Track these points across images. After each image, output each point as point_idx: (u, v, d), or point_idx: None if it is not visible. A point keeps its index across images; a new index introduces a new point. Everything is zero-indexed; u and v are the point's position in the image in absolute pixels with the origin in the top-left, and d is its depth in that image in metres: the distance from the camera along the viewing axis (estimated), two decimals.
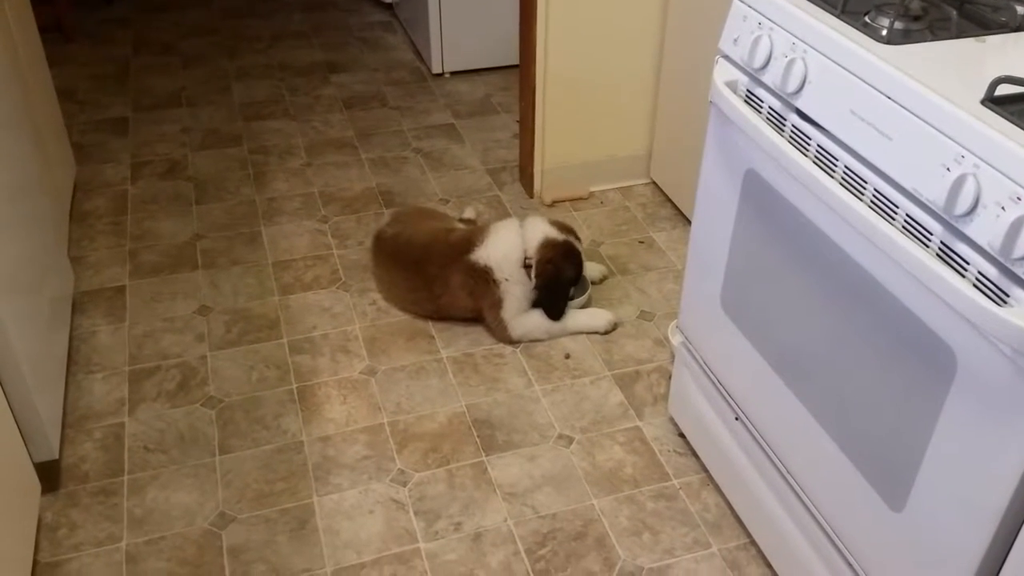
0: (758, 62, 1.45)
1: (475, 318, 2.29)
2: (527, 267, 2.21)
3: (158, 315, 2.35)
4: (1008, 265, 1.06)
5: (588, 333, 2.30)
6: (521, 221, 2.29)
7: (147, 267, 2.52)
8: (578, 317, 2.29)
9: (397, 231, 2.36)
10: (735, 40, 1.52)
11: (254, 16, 4.13)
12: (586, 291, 2.36)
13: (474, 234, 2.26)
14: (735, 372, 1.70)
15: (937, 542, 1.24)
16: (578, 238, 2.30)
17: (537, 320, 2.26)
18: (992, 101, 1.11)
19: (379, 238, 2.39)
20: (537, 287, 2.23)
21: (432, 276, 2.25)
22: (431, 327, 2.31)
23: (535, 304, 2.27)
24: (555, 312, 2.26)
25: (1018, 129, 1.06)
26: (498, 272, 2.20)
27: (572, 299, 2.32)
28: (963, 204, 1.09)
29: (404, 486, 1.90)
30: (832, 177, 1.32)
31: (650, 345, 2.27)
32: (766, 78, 1.45)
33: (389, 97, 3.43)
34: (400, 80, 3.56)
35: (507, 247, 2.22)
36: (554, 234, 2.25)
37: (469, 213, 2.69)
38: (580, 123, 2.75)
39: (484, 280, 2.21)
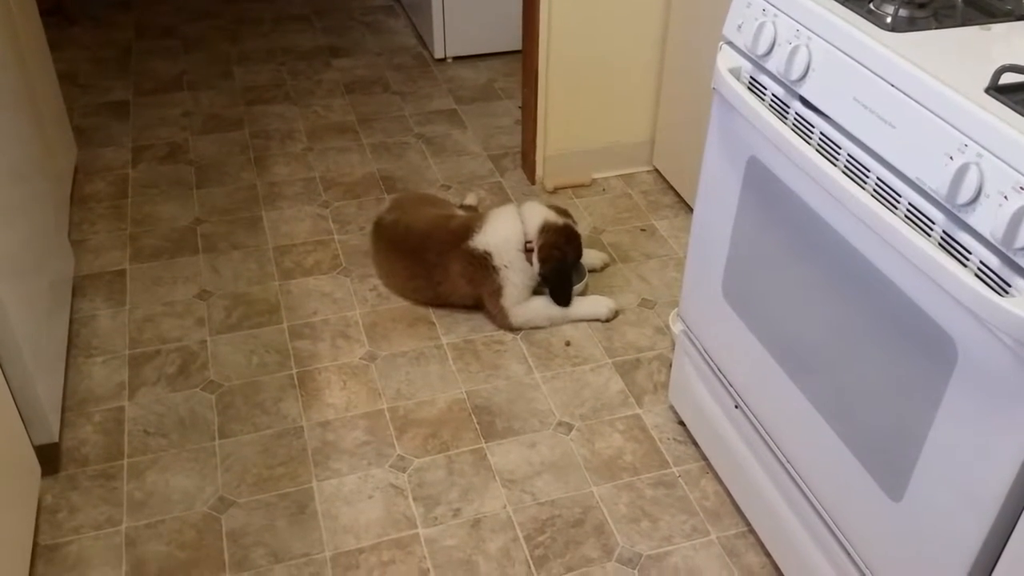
0: (762, 49, 1.44)
1: (475, 305, 2.29)
2: (528, 251, 2.21)
3: (158, 299, 2.35)
4: (1010, 255, 1.05)
5: (589, 320, 2.29)
6: (519, 206, 2.29)
7: (147, 251, 2.52)
8: (580, 304, 2.29)
9: (396, 218, 2.35)
10: (739, 27, 1.51)
11: (256, 0, 4.11)
12: (583, 278, 2.35)
13: (473, 221, 2.26)
14: (735, 360, 1.70)
15: (935, 531, 1.24)
16: (575, 221, 2.30)
17: (538, 307, 2.26)
18: (996, 90, 1.11)
19: (378, 225, 2.39)
20: (542, 273, 2.23)
21: (431, 263, 2.25)
22: (431, 313, 2.31)
23: (541, 290, 2.27)
24: (563, 298, 2.26)
25: (1021, 118, 1.05)
26: (498, 258, 2.20)
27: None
28: (966, 193, 1.09)
29: (403, 472, 1.90)
30: (835, 165, 1.31)
31: (651, 333, 2.27)
32: (770, 65, 1.44)
33: (391, 82, 3.42)
34: (402, 65, 3.55)
35: (507, 232, 2.21)
36: (553, 218, 2.24)
37: (471, 200, 2.68)
38: (583, 110, 2.74)
39: (484, 267, 2.20)
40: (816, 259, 1.39)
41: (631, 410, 2.05)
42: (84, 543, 1.75)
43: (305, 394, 2.08)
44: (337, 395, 2.08)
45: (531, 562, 1.73)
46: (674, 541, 1.77)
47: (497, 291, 2.21)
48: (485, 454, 1.94)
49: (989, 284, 1.09)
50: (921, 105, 1.15)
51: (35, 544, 1.74)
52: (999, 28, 1.29)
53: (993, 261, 1.08)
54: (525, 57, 2.71)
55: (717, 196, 1.65)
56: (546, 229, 2.22)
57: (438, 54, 3.54)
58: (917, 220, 1.18)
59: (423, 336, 2.25)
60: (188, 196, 2.75)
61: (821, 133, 1.34)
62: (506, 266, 2.20)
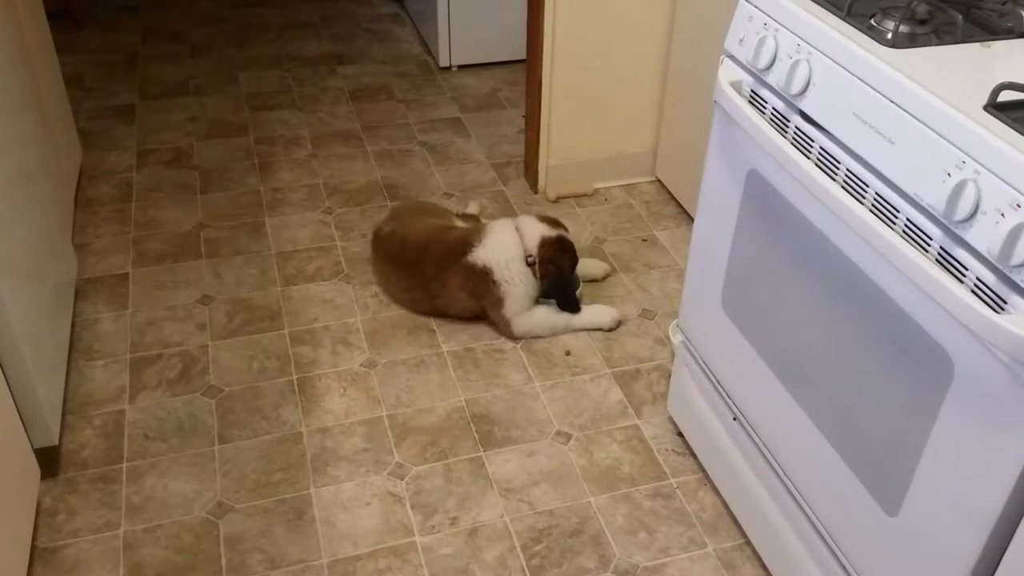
0: (763, 63, 1.44)
1: (474, 317, 2.29)
2: (530, 265, 2.22)
3: (160, 303, 2.35)
4: (1006, 272, 1.06)
5: (592, 329, 2.30)
6: (515, 221, 2.29)
7: (150, 255, 2.53)
8: (583, 313, 2.29)
9: (394, 228, 2.35)
10: (740, 40, 1.52)
11: (263, 6, 4.13)
12: (577, 286, 2.35)
13: (471, 234, 2.26)
14: (734, 372, 1.70)
15: (931, 547, 1.25)
16: (567, 229, 2.31)
17: (540, 317, 2.26)
18: (995, 107, 1.11)
19: (377, 235, 2.39)
20: (545, 288, 2.24)
21: (429, 276, 2.25)
22: (432, 321, 2.32)
23: (546, 299, 2.27)
24: (572, 306, 2.27)
25: (1019, 136, 1.06)
26: (498, 273, 2.20)
27: None
28: (963, 210, 1.09)
29: (401, 479, 1.90)
30: (834, 180, 1.31)
31: (651, 343, 2.27)
32: (770, 79, 1.45)
33: (396, 90, 3.43)
34: (407, 73, 3.56)
35: (507, 248, 2.21)
36: (548, 232, 2.25)
37: (473, 208, 2.69)
38: (586, 119, 2.75)
39: (484, 280, 2.21)
40: (815, 273, 1.40)
41: (630, 421, 2.05)
42: (82, 546, 1.75)
43: (305, 400, 2.08)
44: (337, 402, 2.08)
45: (527, 572, 1.73)
46: (671, 553, 1.77)
47: (499, 302, 2.22)
48: (483, 463, 1.95)
49: (985, 301, 1.09)
50: (920, 121, 1.16)
51: (33, 546, 1.74)
52: (999, 45, 1.30)
53: (989, 278, 1.08)
54: (529, 66, 2.71)
55: (717, 208, 1.65)
56: (544, 244, 2.22)
57: (443, 62, 3.56)
58: (914, 236, 1.19)
59: (423, 344, 2.25)
60: (192, 201, 2.76)
61: (820, 148, 1.35)
62: (506, 281, 2.20)
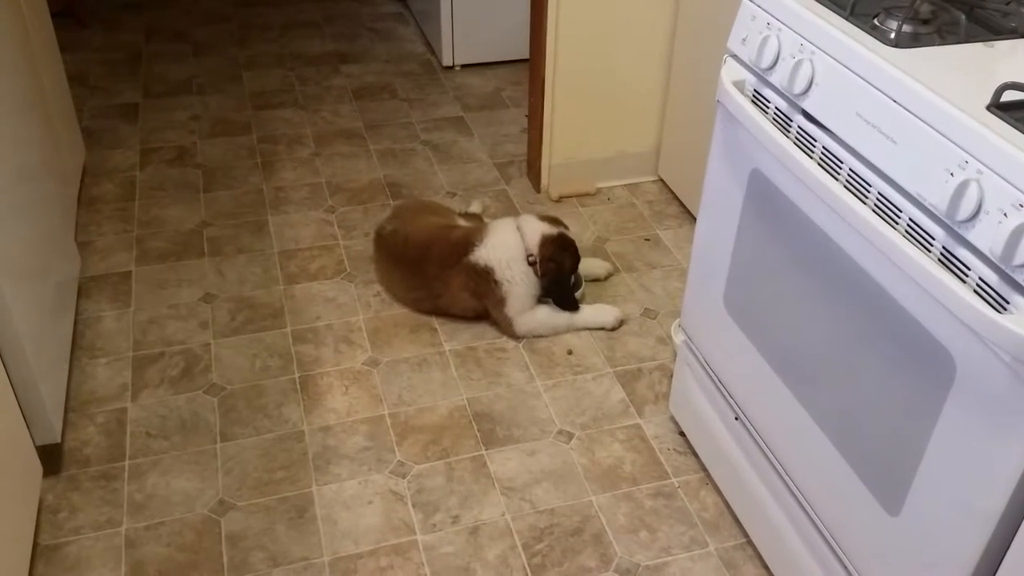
0: (766, 62, 1.44)
1: (476, 317, 2.29)
2: (531, 264, 2.22)
3: (163, 302, 2.36)
4: (1009, 272, 1.06)
5: (595, 329, 2.30)
6: (516, 220, 2.29)
7: (153, 253, 2.53)
8: (585, 313, 2.29)
9: (396, 227, 2.35)
10: (743, 40, 1.52)
11: (266, 5, 4.14)
12: (580, 286, 2.35)
13: (473, 234, 2.26)
14: (736, 372, 1.70)
15: (933, 546, 1.24)
16: (567, 227, 2.31)
17: (543, 316, 2.26)
18: (998, 107, 1.11)
19: (379, 234, 2.39)
20: (545, 286, 2.24)
21: (431, 276, 2.25)
22: (434, 320, 2.32)
23: (547, 297, 2.28)
24: (571, 305, 2.27)
25: (1022, 136, 1.06)
26: (499, 272, 2.20)
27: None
28: (965, 210, 1.09)
29: (403, 478, 1.90)
30: (836, 179, 1.31)
31: (653, 343, 2.27)
32: (773, 78, 1.45)
33: (399, 89, 3.44)
34: (410, 72, 3.56)
35: (508, 247, 2.22)
36: (548, 230, 2.26)
37: (475, 207, 2.69)
38: (589, 119, 2.75)
39: (486, 280, 2.21)
40: (817, 272, 1.40)
41: (631, 420, 2.06)
42: (84, 544, 1.76)
43: (307, 398, 2.08)
44: (339, 400, 2.08)
45: (529, 570, 1.73)
46: (672, 552, 1.77)
47: (501, 301, 2.22)
48: (485, 461, 1.95)
49: (988, 301, 1.09)
50: (923, 121, 1.16)
51: (35, 544, 1.74)
52: (1002, 45, 1.30)
53: (992, 278, 1.08)
54: (532, 66, 2.72)
55: (720, 208, 1.65)
56: (544, 242, 2.23)
57: (446, 62, 3.56)
58: (917, 235, 1.19)
59: (425, 342, 2.25)
60: (195, 199, 2.77)
61: (823, 147, 1.35)
62: (508, 280, 2.21)
